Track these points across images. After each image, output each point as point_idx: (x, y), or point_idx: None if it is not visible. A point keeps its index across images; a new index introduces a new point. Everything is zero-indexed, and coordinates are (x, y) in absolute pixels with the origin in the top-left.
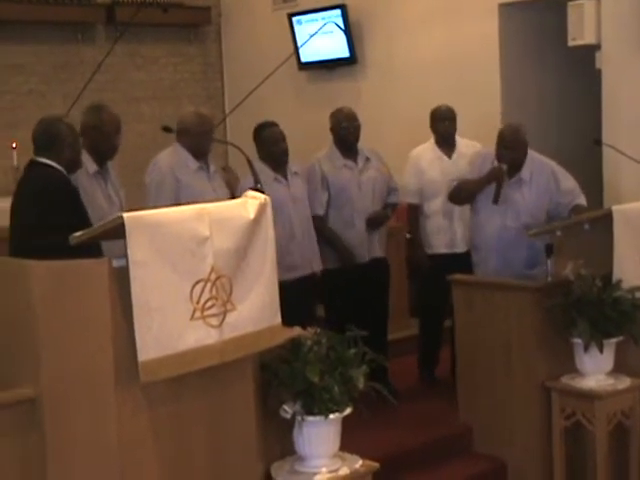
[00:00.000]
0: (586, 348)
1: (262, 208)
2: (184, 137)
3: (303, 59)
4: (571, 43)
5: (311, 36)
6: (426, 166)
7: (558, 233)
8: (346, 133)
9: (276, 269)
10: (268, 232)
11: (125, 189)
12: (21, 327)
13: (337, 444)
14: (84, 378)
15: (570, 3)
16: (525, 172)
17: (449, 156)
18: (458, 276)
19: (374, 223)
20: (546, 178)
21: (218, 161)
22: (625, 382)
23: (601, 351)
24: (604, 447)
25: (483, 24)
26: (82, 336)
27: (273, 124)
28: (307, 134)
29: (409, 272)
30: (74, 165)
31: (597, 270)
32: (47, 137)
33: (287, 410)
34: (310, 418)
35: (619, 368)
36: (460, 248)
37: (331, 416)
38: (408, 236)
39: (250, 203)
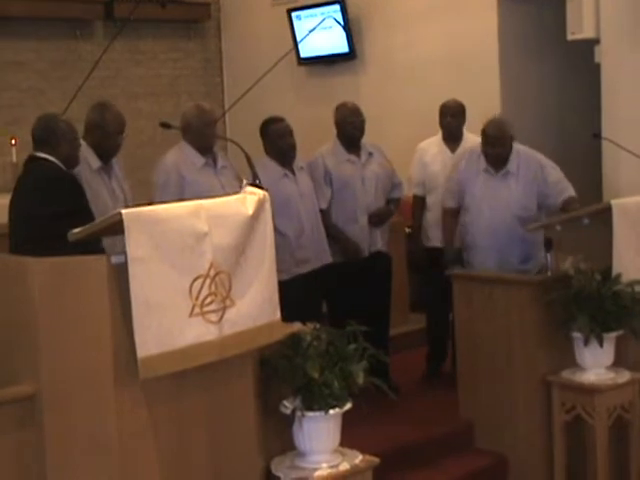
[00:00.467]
0: (586, 342)
1: (261, 204)
2: (188, 133)
3: (302, 54)
4: (570, 37)
5: (310, 31)
6: (429, 160)
7: (558, 227)
8: (352, 128)
9: (275, 265)
10: (267, 228)
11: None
12: (20, 324)
13: (337, 439)
14: (83, 375)
15: None
16: (512, 165)
17: (453, 151)
18: (458, 271)
19: (377, 220)
20: (533, 170)
21: None
22: (625, 376)
23: (601, 345)
24: (604, 441)
25: (482, 18)
26: (81, 333)
27: (280, 119)
28: (307, 129)
29: (408, 266)
30: (72, 161)
31: (596, 264)
32: (46, 132)
33: (287, 405)
34: (310, 414)
35: (619, 362)
36: (458, 242)
37: (331, 411)
38: (408, 230)
39: (249, 199)
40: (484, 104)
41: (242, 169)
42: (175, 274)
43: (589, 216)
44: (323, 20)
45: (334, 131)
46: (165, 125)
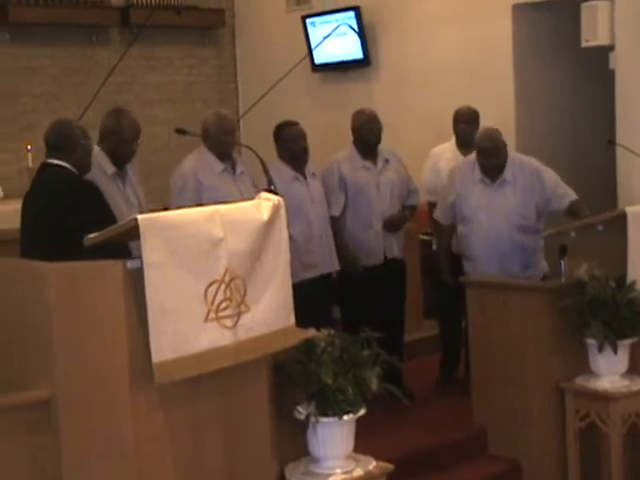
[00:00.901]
0: (600, 349)
1: (276, 209)
2: (207, 139)
3: (317, 61)
4: (584, 44)
5: (325, 38)
6: (442, 166)
7: (572, 234)
8: (370, 134)
9: (289, 270)
10: (282, 233)
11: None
12: (36, 328)
13: (351, 445)
14: (99, 379)
15: (584, 4)
16: (508, 173)
17: (465, 157)
18: (472, 277)
19: (392, 226)
20: (529, 177)
21: None
22: (639, 383)
23: (615, 352)
24: (619, 448)
25: (497, 25)
26: (97, 337)
27: (294, 123)
28: (320, 136)
29: (423, 273)
30: (84, 167)
31: (611, 271)
32: (61, 138)
33: (301, 411)
34: (324, 419)
35: (633, 369)
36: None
37: (345, 417)
38: (422, 237)
39: (264, 204)
40: (498, 110)
41: (256, 175)
42: (190, 279)
43: (603, 223)
44: (338, 27)
45: (348, 137)
46: (181, 131)
